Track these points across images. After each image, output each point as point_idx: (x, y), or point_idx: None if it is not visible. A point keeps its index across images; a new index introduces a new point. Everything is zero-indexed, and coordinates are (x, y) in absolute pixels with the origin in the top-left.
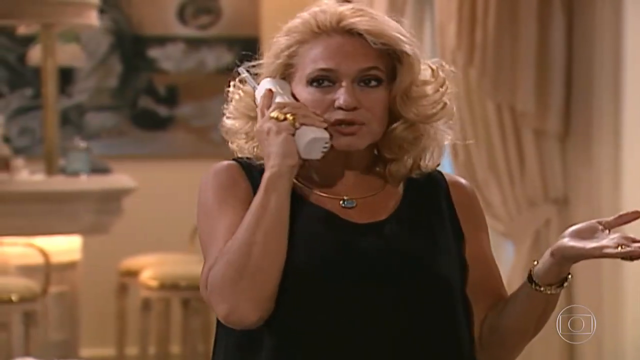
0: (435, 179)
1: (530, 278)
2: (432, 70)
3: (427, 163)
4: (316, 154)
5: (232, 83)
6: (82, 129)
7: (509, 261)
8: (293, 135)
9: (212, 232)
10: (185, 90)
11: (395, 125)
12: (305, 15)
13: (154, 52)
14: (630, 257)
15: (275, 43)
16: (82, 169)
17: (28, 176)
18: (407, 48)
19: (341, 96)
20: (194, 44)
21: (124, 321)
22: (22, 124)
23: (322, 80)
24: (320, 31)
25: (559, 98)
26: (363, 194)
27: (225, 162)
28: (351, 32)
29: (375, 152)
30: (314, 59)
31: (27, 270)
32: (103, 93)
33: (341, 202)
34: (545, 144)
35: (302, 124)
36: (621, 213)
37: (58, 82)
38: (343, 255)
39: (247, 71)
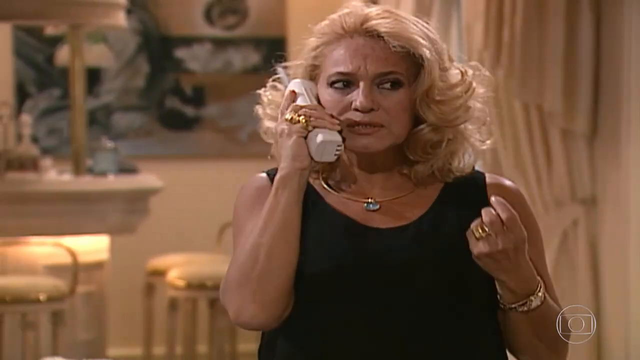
0: (474, 180)
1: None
2: (462, 73)
3: (459, 166)
4: (329, 157)
5: (267, 84)
6: (110, 129)
7: None
8: (305, 137)
9: (236, 246)
10: (212, 91)
11: (420, 127)
12: (333, 16)
13: (180, 53)
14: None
15: (304, 44)
16: (109, 169)
17: (56, 176)
18: (426, 52)
19: (357, 98)
20: (220, 44)
21: (151, 321)
22: (49, 124)
23: (341, 82)
24: (345, 33)
25: (586, 98)
26: (390, 197)
27: (256, 176)
28: (373, 34)
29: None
30: (335, 61)
31: (55, 270)
32: (130, 93)
33: (365, 204)
34: (573, 144)
35: (314, 127)
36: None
37: (85, 82)
38: (357, 262)
39: (284, 71)
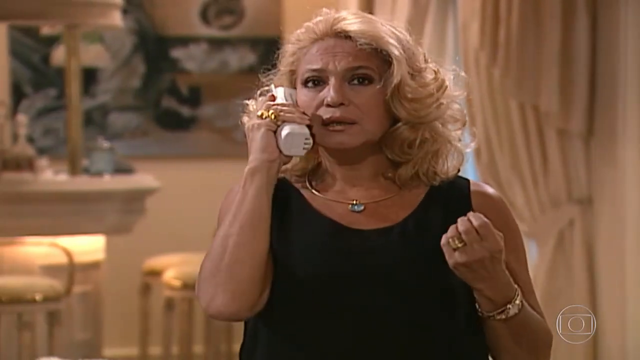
0: (459, 186)
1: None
2: (435, 72)
3: (443, 169)
4: (297, 150)
5: (253, 96)
6: (106, 129)
7: (532, 262)
8: (274, 132)
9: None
10: (208, 91)
11: (397, 125)
12: (308, 23)
13: (177, 53)
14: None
15: (282, 52)
16: (105, 169)
17: (52, 176)
18: (392, 48)
19: (328, 93)
20: (216, 44)
21: (147, 321)
22: (45, 124)
23: (314, 80)
24: (317, 36)
25: (582, 97)
26: (374, 199)
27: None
28: (342, 35)
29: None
30: (307, 62)
31: (51, 270)
32: (126, 93)
33: (350, 206)
34: (569, 144)
35: (283, 121)
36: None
37: (81, 82)
38: (341, 264)
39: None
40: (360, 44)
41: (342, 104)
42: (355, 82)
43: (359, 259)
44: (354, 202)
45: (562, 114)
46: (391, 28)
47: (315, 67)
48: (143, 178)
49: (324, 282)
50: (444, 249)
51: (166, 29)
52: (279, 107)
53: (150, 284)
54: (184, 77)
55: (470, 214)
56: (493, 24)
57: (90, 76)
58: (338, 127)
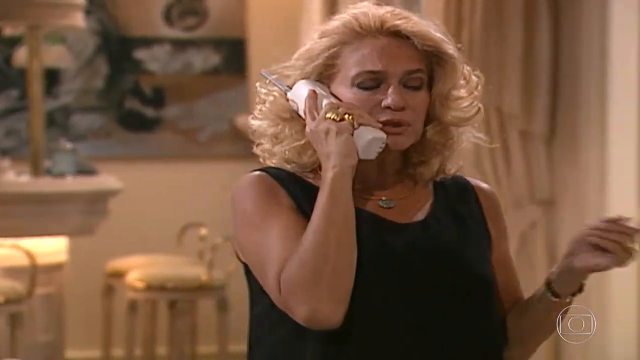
0: (462, 182)
1: (550, 290)
2: (464, 73)
3: (450, 168)
4: (372, 154)
5: (257, 84)
6: (68, 130)
7: None
8: (352, 135)
9: (265, 242)
10: (171, 92)
11: (428, 127)
12: (344, 17)
13: (140, 54)
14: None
15: (312, 45)
16: (68, 171)
17: (14, 177)
18: (452, 50)
19: (390, 97)
20: (180, 45)
21: (110, 323)
22: (7, 125)
23: (367, 81)
24: (365, 32)
25: (545, 99)
26: (398, 195)
27: (256, 173)
28: (396, 34)
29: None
30: (360, 60)
31: (13, 272)
32: (89, 94)
33: (380, 202)
34: (532, 145)
35: (360, 124)
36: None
37: (44, 83)
38: (390, 255)
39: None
40: (421, 46)
41: (403, 107)
42: (411, 85)
43: (403, 250)
44: (383, 199)
45: (525, 116)
46: (439, 28)
47: (374, 68)
48: (106, 179)
49: (369, 273)
50: (620, 253)
51: (129, 29)
52: (349, 109)
53: (114, 286)
54: (147, 78)
55: (623, 218)
56: (456, 25)
57: (52, 77)
58: (395, 130)
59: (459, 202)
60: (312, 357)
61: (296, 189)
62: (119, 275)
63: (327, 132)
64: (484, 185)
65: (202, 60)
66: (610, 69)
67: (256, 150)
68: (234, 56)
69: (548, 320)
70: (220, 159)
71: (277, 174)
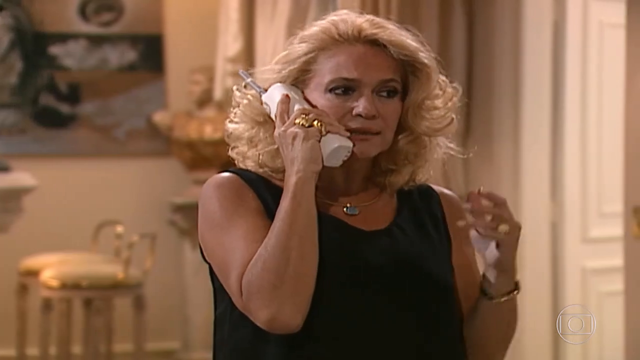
0: (426, 189)
1: (483, 292)
2: (439, 83)
3: (421, 178)
4: (337, 162)
5: (235, 87)
6: None
7: None
8: (319, 141)
9: (229, 243)
10: (87, 88)
11: (400, 136)
12: (324, 23)
13: (55, 49)
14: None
15: (291, 49)
16: None
17: None
18: (427, 60)
19: (361, 105)
20: (96, 41)
21: (25, 321)
22: None
23: (342, 87)
24: (342, 40)
25: (460, 97)
26: (363, 202)
27: (225, 174)
28: (373, 43)
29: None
30: (336, 67)
31: None
32: (3, 90)
33: (344, 208)
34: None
35: (328, 132)
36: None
37: None
38: (352, 261)
39: (246, 73)
40: (397, 55)
41: (374, 116)
42: (383, 94)
43: (368, 257)
44: (348, 205)
45: None
46: (415, 38)
47: (349, 76)
48: (20, 176)
49: (335, 279)
50: (489, 234)
51: (44, 25)
52: (318, 115)
53: (28, 284)
54: (62, 74)
55: (486, 193)
56: None
57: None
58: (363, 137)
59: (422, 209)
60: (273, 358)
61: (265, 191)
62: (33, 273)
63: (294, 137)
64: (447, 191)
65: (118, 56)
66: (522, 69)
67: (231, 153)
68: (150, 52)
69: (494, 323)
70: (136, 156)
71: (246, 176)
